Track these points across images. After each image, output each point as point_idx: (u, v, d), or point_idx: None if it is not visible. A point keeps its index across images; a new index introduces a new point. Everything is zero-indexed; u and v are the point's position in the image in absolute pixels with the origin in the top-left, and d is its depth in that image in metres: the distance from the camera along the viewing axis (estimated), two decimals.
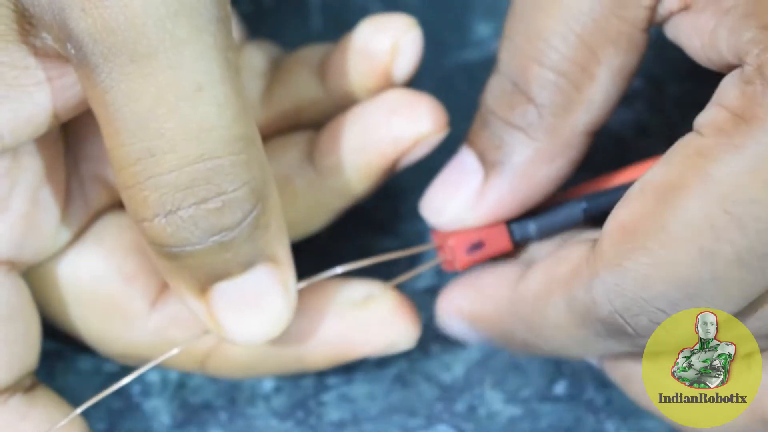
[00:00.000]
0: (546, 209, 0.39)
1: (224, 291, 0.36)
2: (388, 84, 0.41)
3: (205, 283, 0.36)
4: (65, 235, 0.40)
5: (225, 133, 0.34)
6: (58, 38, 0.34)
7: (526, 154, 0.38)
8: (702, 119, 0.34)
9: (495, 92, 0.38)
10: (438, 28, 0.49)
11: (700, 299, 0.34)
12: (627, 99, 0.48)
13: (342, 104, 0.42)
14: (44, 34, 0.34)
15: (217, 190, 0.34)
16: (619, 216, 0.35)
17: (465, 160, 0.39)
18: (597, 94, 0.37)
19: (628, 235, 0.34)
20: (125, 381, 0.39)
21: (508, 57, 0.38)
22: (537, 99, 0.37)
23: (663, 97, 0.48)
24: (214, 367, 0.41)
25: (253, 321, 0.37)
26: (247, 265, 0.36)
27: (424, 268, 0.42)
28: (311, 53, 0.44)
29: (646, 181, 0.35)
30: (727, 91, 0.34)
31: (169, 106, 0.34)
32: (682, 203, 0.33)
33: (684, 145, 0.34)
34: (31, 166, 0.38)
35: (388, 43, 0.41)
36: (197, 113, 0.34)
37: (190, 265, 0.36)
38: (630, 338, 0.35)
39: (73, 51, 0.34)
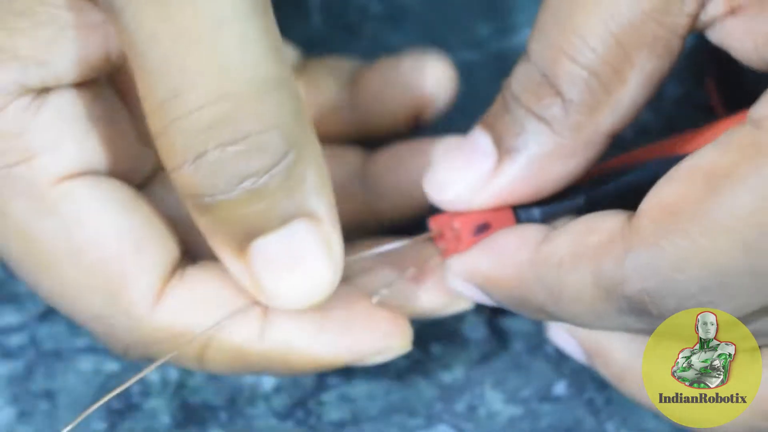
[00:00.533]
0: (549, 198, 0.39)
1: (262, 248, 0.35)
2: (417, 118, 0.43)
3: (242, 240, 0.35)
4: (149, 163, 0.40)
5: (249, 72, 0.34)
6: None
7: (546, 146, 0.37)
8: (760, 111, 0.34)
9: (522, 80, 0.38)
10: (438, 28, 0.49)
11: (734, 290, 0.33)
12: None
13: (364, 122, 0.43)
14: None
15: (242, 132, 0.34)
16: (661, 194, 0.34)
17: (478, 141, 0.38)
18: (625, 97, 0.37)
19: (670, 215, 0.33)
20: (129, 383, 0.38)
21: (539, 48, 0.37)
22: (566, 94, 0.37)
23: (663, 97, 0.48)
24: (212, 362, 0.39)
25: (294, 282, 0.36)
26: (284, 220, 0.35)
27: (424, 261, 0.41)
28: (342, 65, 0.44)
29: (694, 164, 0.34)
30: None
31: (190, 43, 0.33)
32: (732, 193, 0.33)
33: (739, 134, 0.34)
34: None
35: (430, 84, 0.42)
36: (218, 50, 0.33)
37: (225, 219, 0.35)
38: (650, 319, 0.35)
39: None
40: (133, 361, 0.40)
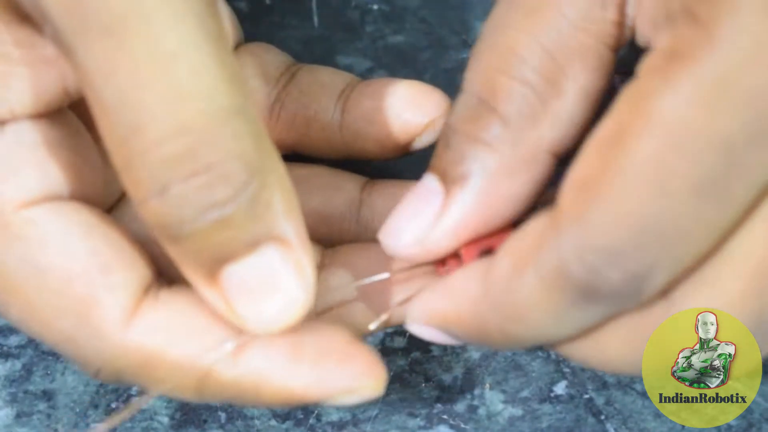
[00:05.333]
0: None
1: (233, 274, 0.35)
2: (405, 147, 0.43)
3: (213, 267, 0.35)
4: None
5: (206, 102, 0.33)
6: (39, 22, 0.34)
7: (488, 167, 0.37)
8: (639, 67, 0.34)
9: (459, 111, 0.38)
10: (438, 28, 0.49)
11: (665, 239, 0.33)
12: None
13: (353, 142, 0.43)
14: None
15: (204, 164, 0.34)
16: (573, 174, 0.34)
17: (426, 184, 0.38)
18: (563, 110, 0.37)
19: (584, 187, 0.33)
20: (142, 402, 0.38)
21: (473, 75, 0.37)
22: (503, 111, 0.37)
23: None
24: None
25: (267, 305, 0.36)
26: (253, 245, 0.35)
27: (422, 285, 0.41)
28: (335, 79, 0.44)
29: (595, 136, 0.34)
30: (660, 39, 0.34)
31: (145, 77, 0.33)
32: (631, 146, 0.33)
33: (624, 92, 0.34)
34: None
35: (424, 120, 0.42)
36: (174, 82, 0.33)
37: (195, 248, 0.35)
38: (606, 300, 0.34)
39: (50, 32, 0.34)
40: (106, 383, 0.39)
